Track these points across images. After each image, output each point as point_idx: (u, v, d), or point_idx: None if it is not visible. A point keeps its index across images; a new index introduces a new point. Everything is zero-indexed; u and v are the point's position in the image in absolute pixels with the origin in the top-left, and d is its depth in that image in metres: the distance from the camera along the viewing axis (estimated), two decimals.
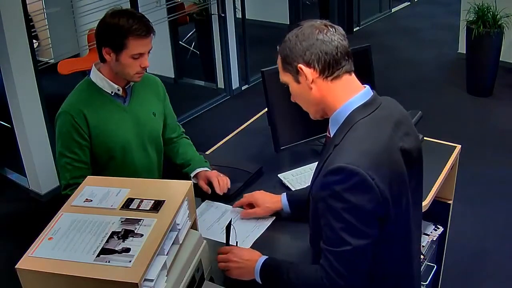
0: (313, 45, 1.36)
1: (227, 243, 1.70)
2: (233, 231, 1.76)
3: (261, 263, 1.53)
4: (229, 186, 2.06)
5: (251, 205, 1.91)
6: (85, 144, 2.00)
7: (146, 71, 2.07)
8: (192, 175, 2.15)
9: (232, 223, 1.73)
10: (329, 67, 1.37)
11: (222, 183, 2.05)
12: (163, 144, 2.25)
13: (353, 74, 1.42)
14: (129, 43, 1.90)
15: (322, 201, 1.32)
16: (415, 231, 1.52)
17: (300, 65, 1.38)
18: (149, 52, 1.98)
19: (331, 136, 1.42)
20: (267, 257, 1.56)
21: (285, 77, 1.44)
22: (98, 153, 2.04)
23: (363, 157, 1.28)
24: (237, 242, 1.76)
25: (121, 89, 2.05)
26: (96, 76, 2.03)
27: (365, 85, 1.43)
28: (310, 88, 1.39)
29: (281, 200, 1.85)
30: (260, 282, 1.53)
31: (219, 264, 1.63)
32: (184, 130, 2.37)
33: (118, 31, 1.89)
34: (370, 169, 1.26)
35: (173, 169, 2.26)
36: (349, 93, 1.39)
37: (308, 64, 1.37)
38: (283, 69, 1.44)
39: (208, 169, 2.15)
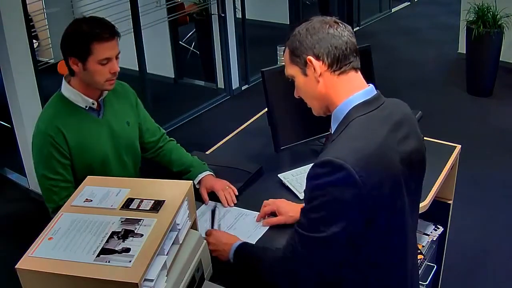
0: (323, 38, 1.37)
1: (212, 226, 1.87)
2: (218, 215, 1.93)
3: (235, 246, 1.61)
4: (235, 200, 2.02)
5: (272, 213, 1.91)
6: (68, 163, 1.94)
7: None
8: (196, 182, 2.10)
9: (217, 207, 1.95)
10: (338, 62, 1.38)
11: (228, 196, 2.01)
12: (145, 150, 2.21)
13: (359, 72, 1.42)
14: (93, 48, 1.83)
15: (307, 191, 1.33)
16: (411, 237, 1.49)
17: (309, 57, 1.38)
18: (117, 56, 1.91)
19: (332, 132, 1.43)
20: (242, 241, 1.65)
21: (292, 70, 1.45)
22: (78, 169, 1.97)
23: (352, 154, 1.28)
24: (219, 225, 1.88)
25: (95, 103, 1.98)
26: (68, 91, 1.95)
27: (369, 84, 1.43)
28: (317, 81, 1.40)
29: None
30: (232, 261, 1.62)
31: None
32: (165, 131, 2.31)
33: (80, 38, 1.83)
34: (357, 165, 1.26)
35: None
36: (352, 90, 1.39)
37: (317, 57, 1.38)
38: (290, 61, 1.44)
39: (210, 172, 2.13)
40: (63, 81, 1.98)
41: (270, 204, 1.89)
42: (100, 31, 1.84)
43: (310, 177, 1.32)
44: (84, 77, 1.91)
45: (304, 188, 1.36)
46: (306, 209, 1.33)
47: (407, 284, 1.51)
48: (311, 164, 2.24)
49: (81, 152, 1.95)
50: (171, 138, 2.30)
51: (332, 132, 1.42)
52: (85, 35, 1.83)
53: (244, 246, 1.63)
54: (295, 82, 1.46)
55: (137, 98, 2.19)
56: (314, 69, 1.39)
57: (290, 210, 1.85)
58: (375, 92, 1.42)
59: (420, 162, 1.48)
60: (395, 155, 1.35)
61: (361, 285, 1.43)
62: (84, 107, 1.97)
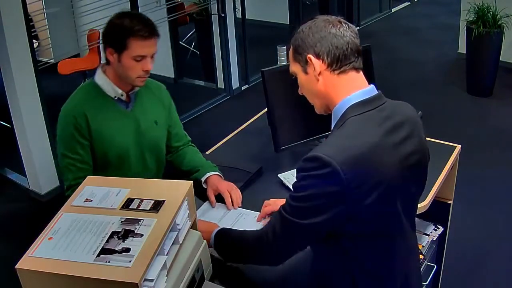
0: (324, 37, 1.38)
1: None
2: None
3: (215, 233, 1.65)
4: (240, 203, 2.01)
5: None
6: (87, 144, 2.00)
7: (149, 76, 2.03)
8: (202, 179, 2.10)
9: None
10: (338, 61, 1.39)
11: (235, 197, 2.01)
12: (167, 152, 2.24)
13: (360, 72, 1.43)
14: (130, 43, 1.89)
15: (295, 180, 1.37)
16: (400, 243, 1.49)
17: (309, 55, 1.40)
18: (153, 56, 1.95)
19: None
20: (221, 227, 1.69)
21: (295, 67, 1.47)
22: (96, 155, 2.03)
23: (340, 152, 1.29)
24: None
25: (124, 94, 2.02)
26: (101, 79, 2.01)
27: (370, 84, 1.43)
28: (317, 79, 1.41)
29: None
30: (214, 249, 1.64)
31: None
32: (190, 139, 2.33)
33: (120, 31, 1.89)
34: (344, 164, 1.27)
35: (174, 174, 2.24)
36: (350, 90, 1.40)
37: (317, 56, 1.39)
38: (293, 59, 1.46)
39: (219, 173, 2.13)
40: (98, 69, 2.03)
41: (271, 204, 1.89)
42: (140, 28, 1.89)
43: (299, 169, 1.36)
44: (117, 68, 1.96)
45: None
46: (292, 196, 1.38)
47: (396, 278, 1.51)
48: None
49: (100, 139, 2.00)
50: (193, 144, 2.32)
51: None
52: (125, 29, 1.89)
53: (222, 230, 1.67)
54: (298, 79, 1.47)
55: (172, 102, 2.23)
56: (314, 67, 1.39)
57: (279, 201, 1.85)
58: (375, 92, 1.42)
59: (421, 164, 1.47)
60: (390, 157, 1.34)
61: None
62: (113, 97, 2.01)
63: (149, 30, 1.91)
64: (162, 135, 2.18)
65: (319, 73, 1.40)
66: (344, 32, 1.39)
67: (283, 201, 1.88)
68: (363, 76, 1.43)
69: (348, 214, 1.31)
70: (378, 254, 1.43)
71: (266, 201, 1.92)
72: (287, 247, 1.45)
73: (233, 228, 1.77)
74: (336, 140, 1.34)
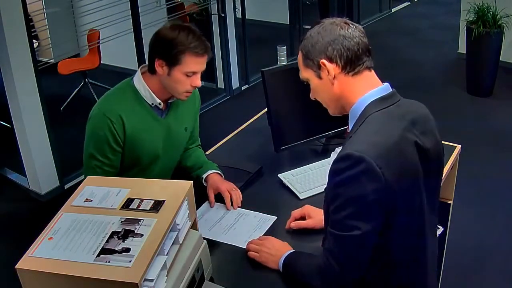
0: (335, 40, 1.38)
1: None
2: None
3: (285, 255, 1.60)
4: (240, 204, 2.00)
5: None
6: (119, 150, 1.96)
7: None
8: (204, 176, 2.10)
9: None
10: (351, 63, 1.39)
11: (235, 197, 2.00)
12: None
13: (372, 71, 1.43)
14: (185, 59, 1.85)
15: (330, 189, 1.34)
16: (431, 239, 1.49)
17: (322, 60, 1.39)
18: (201, 72, 1.92)
19: (349, 131, 1.43)
20: (294, 251, 1.62)
21: (306, 74, 1.45)
22: (126, 158, 2.00)
23: (371, 147, 1.29)
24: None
25: (162, 104, 1.99)
26: (140, 84, 1.96)
27: (384, 82, 1.44)
28: (331, 83, 1.41)
29: None
30: (282, 272, 1.60)
31: (250, 246, 1.71)
32: (200, 143, 2.33)
33: (175, 45, 1.84)
34: (377, 158, 1.27)
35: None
36: (367, 88, 1.40)
37: (330, 60, 1.39)
38: (304, 65, 1.45)
39: (219, 172, 2.13)
40: (139, 72, 1.99)
41: (312, 216, 1.83)
42: (196, 45, 1.85)
43: (332, 173, 1.33)
44: (164, 80, 1.91)
45: (325, 186, 1.37)
46: (334, 209, 1.34)
47: (428, 285, 1.51)
48: (311, 164, 2.26)
49: (133, 144, 1.97)
50: (200, 147, 2.32)
51: (349, 130, 1.43)
52: (181, 44, 1.84)
53: (292, 255, 1.60)
54: (311, 85, 1.47)
55: (199, 105, 2.21)
56: (328, 72, 1.39)
57: (319, 213, 1.81)
58: (390, 89, 1.43)
59: (438, 160, 1.48)
60: (413, 150, 1.36)
61: (380, 286, 1.44)
62: (150, 104, 1.98)
63: (204, 48, 1.87)
64: (187, 139, 2.19)
65: (334, 77, 1.40)
66: (353, 33, 1.39)
67: (310, 206, 1.85)
68: (375, 75, 1.44)
69: (386, 211, 1.31)
70: (408, 250, 1.42)
71: (307, 206, 1.85)
72: (354, 263, 1.38)
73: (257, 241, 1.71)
74: (363, 136, 1.33)
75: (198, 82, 1.91)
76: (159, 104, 1.98)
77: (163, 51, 1.86)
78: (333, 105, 1.46)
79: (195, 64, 1.87)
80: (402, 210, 1.33)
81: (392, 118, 1.37)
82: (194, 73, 1.89)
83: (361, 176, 1.27)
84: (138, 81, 1.97)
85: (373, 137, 1.31)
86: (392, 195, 1.30)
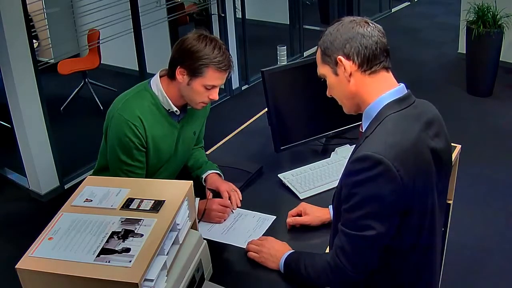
0: (353, 38, 1.38)
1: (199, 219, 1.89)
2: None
3: (286, 256, 1.61)
4: (239, 204, 2.01)
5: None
6: (144, 151, 1.96)
7: None
8: (203, 176, 2.11)
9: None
10: (368, 62, 1.39)
11: (234, 198, 2.00)
12: None
13: (389, 72, 1.43)
14: (207, 72, 1.85)
15: (346, 188, 1.34)
16: (439, 237, 1.50)
17: (339, 57, 1.39)
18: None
19: (363, 130, 1.43)
20: (293, 251, 1.63)
21: (323, 70, 1.46)
22: (148, 161, 2.00)
23: (390, 148, 1.29)
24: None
25: (178, 112, 1.99)
26: (158, 89, 1.95)
27: (400, 83, 1.44)
28: (348, 80, 1.41)
29: (330, 212, 1.83)
30: (283, 272, 1.61)
31: (249, 246, 1.72)
32: (203, 145, 2.33)
33: (200, 58, 1.83)
34: (395, 160, 1.27)
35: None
36: (383, 89, 1.40)
37: (347, 57, 1.39)
38: (322, 61, 1.45)
39: (219, 172, 2.13)
40: (157, 76, 1.98)
41: (308, 213, 1.85)
42: (221, 60, 1.85)
43: (349, 173, 1.33)
44: (183, 88, 1.91)
45: (341, 184, 1.37)
46: (348, 207, 1.34)
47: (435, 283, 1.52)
48: (311, 164, 2.26)
49: (152, 148, 1.97)
50: (203, 148, 2.32)
51: (364, 130, 1.43)
52: (206, 57, 1.83)
53: (292, 255, 1.61)
54: (327, 81, 1.47)
55: (209, 111, 2.22)
56: (344, 68, 1.39)
57: (316, 211, 1.85)
58: (406, 91, 1.43)
59: (448, 162, 1.49)
60: (428, 151, 1.37)
61: (389, 284, 1.44)
62: (167, 109, 1.98)
63: (228, 64, 1.87)
64: (194, 142, 2.20)
65: (350, 74, 1.40)
66: (372, 32, 1.39)
67: (307, 204, 1.87)
68: (392, 75, 1.44)
69: (401, 212, 1.32)
70: (419, 249, 1.43)
71: (303, 203, 1.88)
72: (365, 263, 1.39)
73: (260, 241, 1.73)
74: (380, 138, 1.33)
75: (216, 95, 1.92)
76: (176, 111, 1.98)
77: (187, 60, 1.85)
78: (348, 103, 1.46)
79: (216, 79, 1.87)
80: (416, 211, 1.34)
81: (408, 119, 1.37)
82: (214, 86, 1.89)
83: (379, 178, 1.27)
84: (156, 86, 1.96)
85: (391, 139, 1.32)
86: (408, 197, 1.30)
